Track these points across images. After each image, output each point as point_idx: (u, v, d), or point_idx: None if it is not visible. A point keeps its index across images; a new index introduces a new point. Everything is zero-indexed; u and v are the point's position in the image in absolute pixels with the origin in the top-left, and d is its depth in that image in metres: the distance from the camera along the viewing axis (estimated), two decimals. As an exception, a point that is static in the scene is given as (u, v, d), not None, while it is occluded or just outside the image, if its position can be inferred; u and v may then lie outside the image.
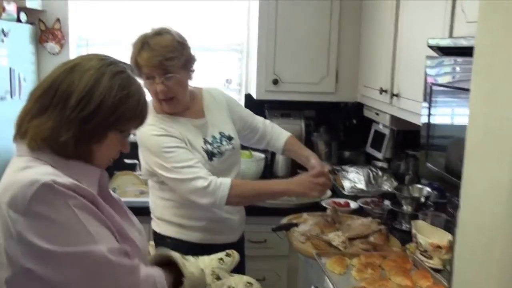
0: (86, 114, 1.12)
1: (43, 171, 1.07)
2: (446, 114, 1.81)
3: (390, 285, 1.66)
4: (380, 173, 2.86)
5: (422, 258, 1.97)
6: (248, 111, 2.33)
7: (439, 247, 1.92)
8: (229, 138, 2.13)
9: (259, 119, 2.33)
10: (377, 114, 2.81)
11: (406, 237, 2.24)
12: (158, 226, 2.14)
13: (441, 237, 1.98)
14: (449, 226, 2.16)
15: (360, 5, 2.99)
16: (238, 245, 2.15)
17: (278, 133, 2.34)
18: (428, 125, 1.85)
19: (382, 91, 2.53)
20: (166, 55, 1.88)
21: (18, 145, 1.16)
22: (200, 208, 1.98)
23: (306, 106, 3.28)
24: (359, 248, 1.99)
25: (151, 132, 1.94)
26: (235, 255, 1.51)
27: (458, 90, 1.66)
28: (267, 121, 2.36)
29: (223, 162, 2.09)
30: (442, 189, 2.42)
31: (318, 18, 2.99)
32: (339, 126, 3.35)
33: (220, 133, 2.11)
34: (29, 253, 1.01)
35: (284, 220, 2.35)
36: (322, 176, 2.03)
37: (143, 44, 1.90)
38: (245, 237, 2.43)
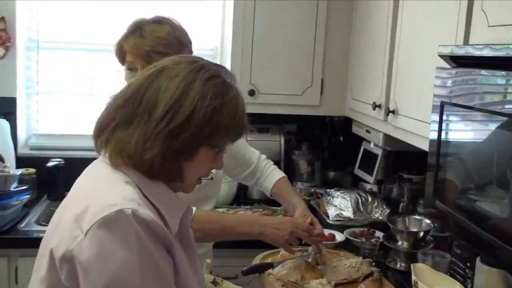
0: (174, 126, 1.00)
1: (124, 194, 0.98)
2: (461, 138, 1.45)
3: None
4: (370, 198, 2.50)
5: (424, 312, 1.62)
6: (243, 140, 2.00)
7: (446, 301, 1.56)
8: None
9: (253, 152, 2.02)
10: (368, 131, 2.47)
11: (402, 280, 1.93)
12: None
13: (447, 286, 1.63)
14: (454, 269, 1.81)
15: (351, 6, 2.68)
16: None
17: (270, 172, 2.02)
18: (438, 148, 1.48)
19: (375, 106, 2.19)
20: (156, 48, 1.63)
21: (99, 150, 1.08)
22: None
23: (287, 120, 2.97)
24: (348, 301, 1.61)
25: None
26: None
27: (479, 111, 1.30)
28: (263, 156, 2.05)
29: (195, 193, 1.72)
30: (433, 221, 2.07)
31: (301, 20, 2.67)
32: (323, 144, 3.04)
33: None
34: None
35: (257, 259, 1.97)
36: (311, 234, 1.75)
37: (136, 28, 1.67)
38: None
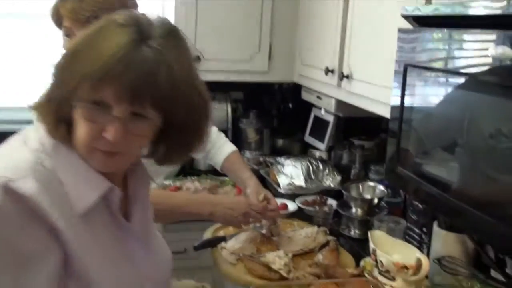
0: None
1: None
2: (424, 103, 1.39)
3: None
4: (320, 166, 2.45)
5: (383, 279, 1.59)
6: None
7: (405, 267, 1.53)
8: None
9: None
10: (319, 98, 2.40)
11: (357, 247, 1.90)
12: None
13: (405, 253, 1.61)
14: (410, 234, 1.80)
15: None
16: None
17: (222, 145, 1.91)
18: (401, 113, 1.43)
19: (328, 71, 2.11)
20: (97, 12, 1.41)
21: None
22: None
23: (234, 88, 2.85)
24: (306, 273, 1.55)
25: None
26: None
27: (444, 72, 1.24)
28: (214, 128, 1.92)
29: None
30: (395, 187, 2.05)
31: (248, -19, 2.54)
32: (272, 111, 2.95)
33: None
34: None
35: (208, 233, 1.88)
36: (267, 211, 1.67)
37: None
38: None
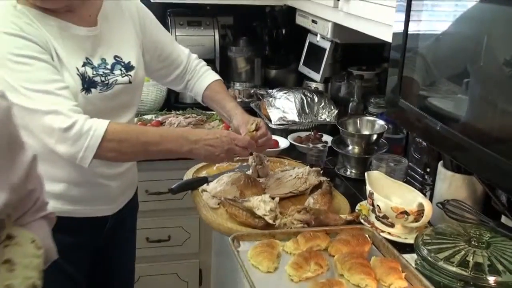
0: None
1: None
2: (431, 29, 1.17)
3: (344, 291, 1.10)
4: (316, 98, 2.23)
5: (380, 225, 1.44)
6: (170, 37, 1.67)
7: (405, 212, 1.37)
8: (127, 68, 1.46)
9: (182, 50, 1.68)
10: (314, 22, 2.15)
11: (353, 188, 1.74)
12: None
13: (406, 196, 1.46)
14: (412, 175, 1.62)
15: None
16: (117, 218, 1.55)
17: (203, 73, 1.70)
18: (405, 40, 1.20)
19: (324, -11, 1.84)
20: None
21: None
22: (58, 160, 1.33)
23: (222, 12, 2.59)
24: (294, 220, 1.38)
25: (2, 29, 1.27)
26: None
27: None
28: (194, 55, 1.72)
29: (108, 100, 1.42)
30: (396, 122, 1.85)
31: None
32: (263, 38, 2.71)
33: (116, 57, 1.44)
34: None
35: (189, 173, 1.70)
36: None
37: None
38: (143, 187, 1.94)
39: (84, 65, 1.36)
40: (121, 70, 1.44)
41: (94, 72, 1.38)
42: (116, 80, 1.42)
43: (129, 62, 1.46)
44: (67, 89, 1.30)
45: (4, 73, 1.25)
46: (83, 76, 1.35)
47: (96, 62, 1.39)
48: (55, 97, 1.26)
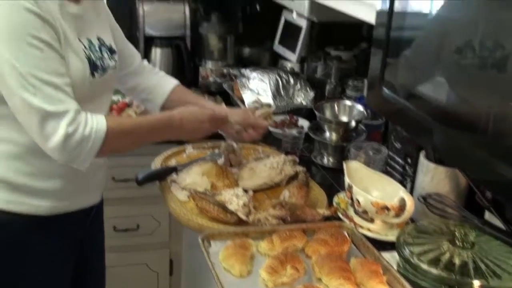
0: None
1: None
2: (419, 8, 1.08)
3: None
4: (291, 80, 2.13)
5: (359, 221, 1.37)
6: (120, 30, 1.54)
7: (386, 208, 1.30)
8: (111, 51, 1.36)
9: (136, 52, 1.61)
10: (290, -1, 2.03)
11: (330, 178, 1.67)
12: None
13: (386, 189, 1.39)
14: (391, 165, 1.55)
15: None
16: (98, 207, 1.53)
17: (162, 77, 1.63)
18: (390, 18, 1.11)
19: (301, -36, 1.73)
20: None
21: None
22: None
23: (192, -16, 2.45)
24: (269, 216, 1.29)
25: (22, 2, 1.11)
26: None
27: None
28: (145, 62, 1.65)
29: (103, 86, 1.34)
30: (378, 112, 1.76)
31: None
32: (237, 14, 2.59)
33: (99, 39, 1.32)
34: None
35: (157, 161, 1.59)
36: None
37: None
38: (109, 174, 1.75)
39: (84, 46, 1.25)
40: (107, 53, 1.34)
41: (93, 55, 1.27)
42: (109, 64, 1.33)
43: (110, 45, 1.37)
44: (70, 86, 1.18)
45: (10, 54, 1.10)
46: (89, 60, 1.25)
47: (85, 42, 1.27)
48: (62, 94, 1.14)
